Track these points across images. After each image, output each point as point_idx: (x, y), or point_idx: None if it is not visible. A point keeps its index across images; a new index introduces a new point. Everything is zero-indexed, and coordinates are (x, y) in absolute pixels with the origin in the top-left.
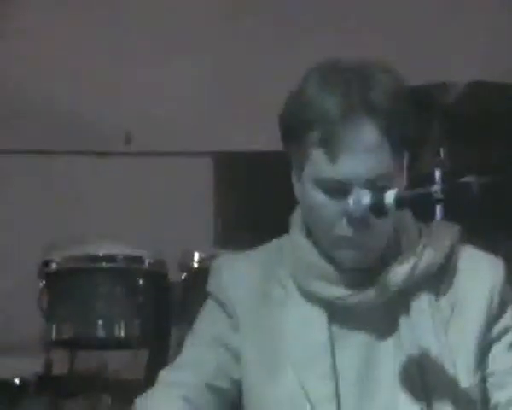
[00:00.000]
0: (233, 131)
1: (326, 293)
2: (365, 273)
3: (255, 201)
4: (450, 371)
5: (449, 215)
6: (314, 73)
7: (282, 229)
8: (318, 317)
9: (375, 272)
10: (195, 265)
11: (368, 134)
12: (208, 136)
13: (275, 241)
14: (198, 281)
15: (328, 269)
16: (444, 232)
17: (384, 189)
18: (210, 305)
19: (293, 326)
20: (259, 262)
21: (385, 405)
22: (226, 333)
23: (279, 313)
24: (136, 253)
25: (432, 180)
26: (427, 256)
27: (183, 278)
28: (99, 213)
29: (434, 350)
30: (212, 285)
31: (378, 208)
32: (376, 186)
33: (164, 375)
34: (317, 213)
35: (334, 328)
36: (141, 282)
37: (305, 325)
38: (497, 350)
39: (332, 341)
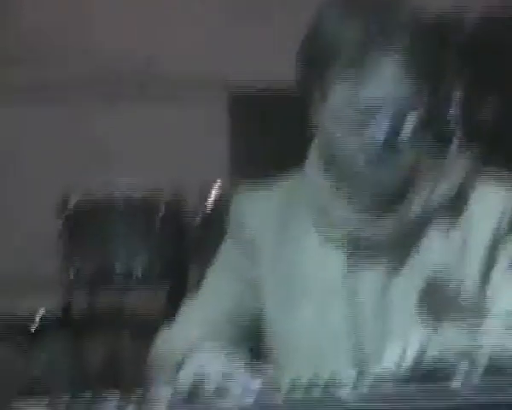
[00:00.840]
0: (248, 64)
1: (342, 226)
2: (381, 205)
3: (271, 133)
4: (459, 292)
5: (464, 146)
6: (332, 6)
7: (297, 162)
8: (335, 251)
9: (391, 203)
10: (213, 199)
11: (390, 66)
12: (224, 69)
13: (292, 173)
14: (216, 216)
15: (344, 203)
16: (460, 162)
17: (404, 120)
18: (230, 239)
19: (311, 263)
20: (278, 195)
21: (401, 332)
22: (246, 267)
23: (297, 249)
24: (154, 191)
25: (447, 111)
26: (443, 186)
27: (201, 213)
28: (117, 150)
29: (446, 273)
30: (231, 219)
31: (395, 140)
32: (397, 118)
33: (185, 309)
34: (338, 147)
35: (352, 261)
36: (159, 219)
37: (323, 258)
38: (497, 269)
39: (349, 274)
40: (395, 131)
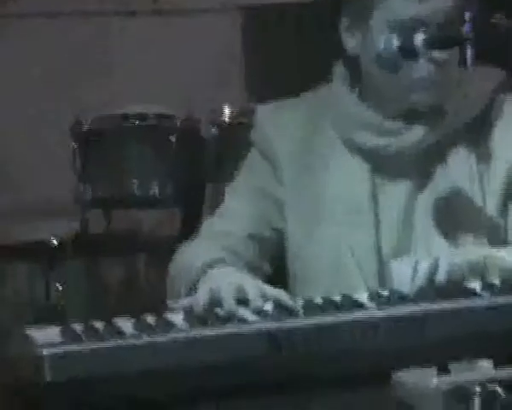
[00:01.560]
0: None
1: (367, 143)
2: (406, 123)
3: (285, 54)
4: (482, 210)
5: (479, 56)
6: None
7: (311, 81)
8: (361, 169)
9: (415, 121)
10: (227, 120)
11: None
12: None
13: (316, 90)
14: (230, 136)
15: (371, 118)
16: (486, 79)
17: (412, 30)
18: (253, 155)
19: (337, 177)
20: (303, 112)
21: (421, 249)
22: (269, 184)
23: (322, 164)
24: (168, 111)
25: (462, 21)
26: (467, 105)
27: (214, 134)
28: (128, 73)
29: (467, 192)
30: (255, 135)
31: (408, 50)
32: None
33: (206, 225)
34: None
35: (377, 179)
36: (173, 140)
37: (348, 175)
38: None
39: (375, 192)
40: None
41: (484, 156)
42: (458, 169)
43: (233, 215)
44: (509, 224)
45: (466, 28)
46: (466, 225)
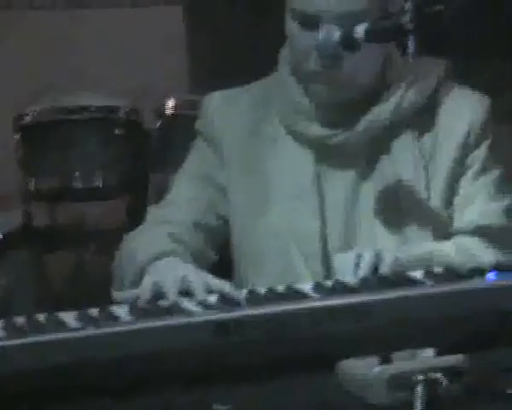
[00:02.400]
0: None
1: (311, 132)
2: (350, 112)
3: (228, 46)
4: (426, 200)
5: (421, 46)
6: None
7: (257, 73)
8: (305, 156)
9: (359, 110)
10: (170, 111)
11: None
12: None
13: (264, 78)
14: (174, 128)
15: (312, 107)
16: (430, 69)
17: (355, 23)
18: (198, 143)
19: (281, 165)
20: (249, 99)
21: (365, 238)
22: (215, 170)
23: (267, 152)
24: (111, 102)
25: (402, 12)
26: (412, 94)
27: (158, 125)
28: (72, 64)
29: (412, 182)
30: (200, 123)
31: (348, 42)
32: (347, 22)
33: (152, 212)
34: (293, 45)
35: (321, 167)
36: (117, 131)
37: (293, 163)
38: (464, 180)
39: (319, 180)
40: (344, 35)
41: (428, 147)
42: (403, 159)
43: (179, 203)
44: (454, 215)
45: (407, 20)
46: (410, 216)
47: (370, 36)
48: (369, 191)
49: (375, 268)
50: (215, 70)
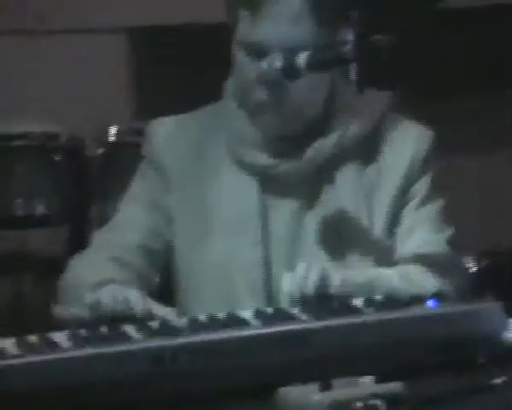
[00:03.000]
0: (145, 6)
1: (256, 162)
2: (295, 143)
3: (172, 75)
4: (368, 230)
5: (362, 75)
6: None
7: (198, 102)
8: (250, 185)
9: (305, 141)
10: (112, 139)
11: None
12: (122, 11)
13: (211, 105)
14: (116, 155)
15: (258, 137)
16: (374, 100)
17: (296, 52)
18: (145, 168)
19: (226, 193)
20: (195, 125)
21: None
22: (161, 196)
23: (213, 179)
24: (52, 129)
25: (344, 43)
26: (356, 125)
27: (100, 153)
28: (13, 90)
29: (354, 212)
30: (146, 148)
31: (290, 71)
32: (290, 52)
33: (97, 236)
34: (239, 75)
35: (266, 196)
36: (58, 158)
37: (237, 192)
38: (407, 210)
39: (263, 209)
40: (286, 64)
41: (372, 178)
42: (346, 190)
43: (124, 226)
44: (396, 244)
45: (348, 50)
46: (353, 246)
47: (312, 64)
48: (313, 221)
49: (322, 287)
50: (158, 98)
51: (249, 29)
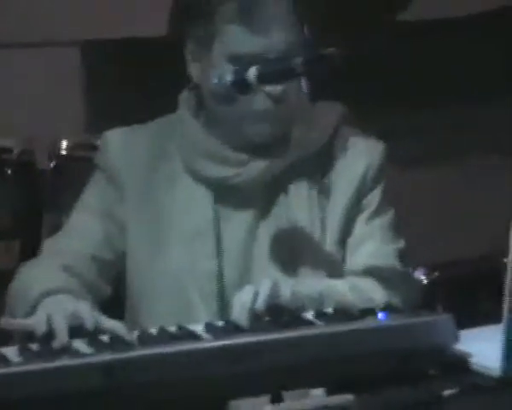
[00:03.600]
0: (100, 19)
1: (210, 172)
2: (250, 154)
3: (125, 89)
4: (319, 242)
5: (314, 88)
6: None
7: (150, 116)
8: (204, 196)
9: (260, 152)
10: (64, 152)
11: (280, 8)
12: (75, 24)
13: (165, 117)
14: (67, 168)
15: (215, 148)
16: (328, 113)
17: (249, 65)
18: (97, 177)
19: (180, 204)
20: (149, 136)
21: (260, 279)
22: (113, 205)
23: (166, 190)
24: (4, 143)
25: (295, 56)
26: (310, 137)
27: (52, 166)
28: None
29: (307, 225)
30: (99, 158)
31: (241, 84)
32: (286, 57)
33: (48, 244)
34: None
35: (220, 208)
36: (9, 172)
37: (191, 203)
38: (358, 221)
39: (217, 220)
40: (237, 77)
41: (324, 190)
42: (298, 201)
43: (76, 234)
44: (346, 255)
45: (299, 63)
46: (304, 258)
47: (262, 78)
48: (266, 232)
49: (273, 299)
50: (109, 112)
51: (245, 41)
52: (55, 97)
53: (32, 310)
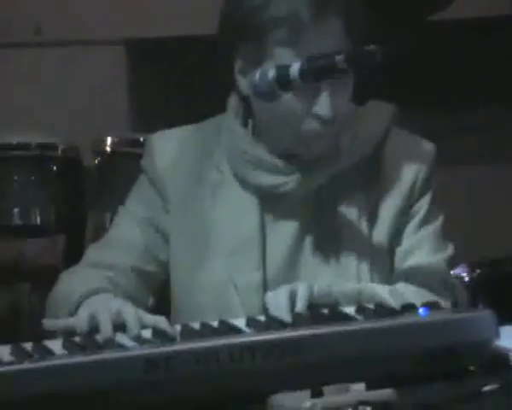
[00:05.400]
0: (145, 18)
1: (259, 180)
2: (299, 162)
3: (170, 88)
4: (367, 253)
5: (362, 87)
6: None
7: (195, 116)
8: (251, 205)
9: (307, 161)
10: (108, 149)
11: (333, 33)
12: (120, 23)
13: (211, 120)
14: (112, 165)
15: (264, 156)
16: (377, 115)
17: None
18: (142, 183)
19: (226, 213)
20: (196, 141)
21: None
22: (157, 214)
23: (212, 198)
24: (50, 140)
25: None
26: (361, 142)
27: (96, 162)
28: (12, 102)
29: (354, 236)
30: (145, 162)
31: (283, 81)
32: (329, 54)
33: (90, 253)
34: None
35: (266, 216)
36: (55, 169)
37: (237, 212)
38: (407, 230)
39: (263, 229)
40: (280, 74)
41: (374, 194)
42: (347, 208)
43: (118, 246)
44: (395, 264)
45: (342, 59)
46: (351, 269)
47: (305, 75)
48: (313, 240)
49: (293, 304)
50: (156, 109)
51: (287, 63)
52: (100, 94)
53: (74, 312)
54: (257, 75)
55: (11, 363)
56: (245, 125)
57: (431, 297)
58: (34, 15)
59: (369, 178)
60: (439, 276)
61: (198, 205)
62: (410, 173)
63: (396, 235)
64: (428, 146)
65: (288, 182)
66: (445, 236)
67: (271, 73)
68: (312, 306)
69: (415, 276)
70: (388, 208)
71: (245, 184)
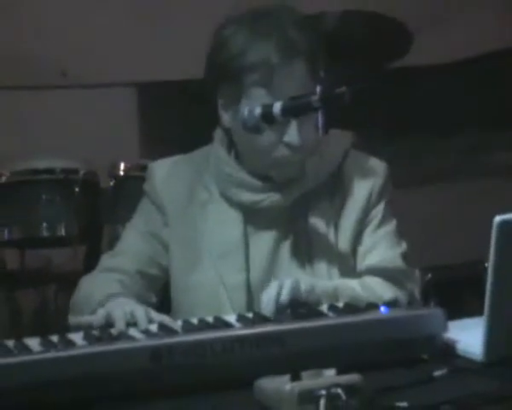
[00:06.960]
0: (154, 63)
1: (242, 198)
2: (273, 184)
3: (173, 122)
4: (334, 252)
5: (328, 119)
6: (241, 21)
7: (193, 144)
8: (235, 218)
9: (281, 181)
10: (121, 173)
11: (300, 74)
12: (133, 67)
13: (201, 149)
14: (124, 186)
15: (245, 178)
16: (338, 140)
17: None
18: (145, 203)
19: (214, 225)
20: (189, 167)
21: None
22: (158, 228)
23: (203, 213)
24: (72, 165)
25: (312, 93)
26: (326, 163)
27: (111, 184)
28: (42, 134)
29: (323, 239)
30: (147, 185)
31: (268, 117)
32: (305, 95)
33: (104, 260)
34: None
35: (248, 227)
36: (77, 189)
37: (223, 223)
38: (366, 232)
39: (246, 238)
40: (265, 111)
41: (338, 207)
42: (317, 218)
43: (127, 254)
44: (357, 261)
45: (316, 99)
46: (321, 268)
47: (285, 112)
48: (289, 247)
49: (295, 294)
50: (161, 139)
51: (261, 101)
52: (115, 127)
53: (94, 312)
54: (245, 112)
55: (40, 352)
56: (229, 152)
57: (395, 287)
58: (60, 61)
59: (334, 192)
60: (398, 267)
61: (191, 219)
62: (365, 188)
63: (357, 238)
64: (381, 165)
65: (265, 199)
66: (399, 237)
67: (258, 111)
68: (298, 301)
69: (378, 269)
70: (349, 218)
71: (230, 201)
